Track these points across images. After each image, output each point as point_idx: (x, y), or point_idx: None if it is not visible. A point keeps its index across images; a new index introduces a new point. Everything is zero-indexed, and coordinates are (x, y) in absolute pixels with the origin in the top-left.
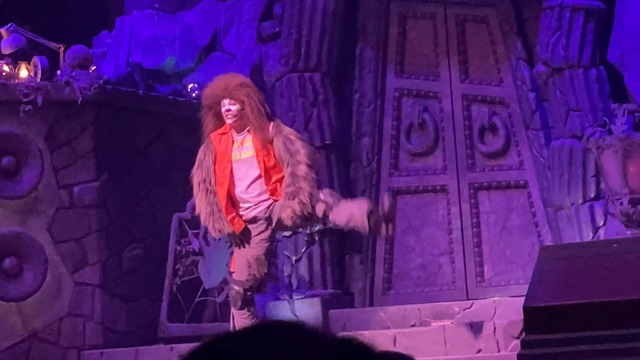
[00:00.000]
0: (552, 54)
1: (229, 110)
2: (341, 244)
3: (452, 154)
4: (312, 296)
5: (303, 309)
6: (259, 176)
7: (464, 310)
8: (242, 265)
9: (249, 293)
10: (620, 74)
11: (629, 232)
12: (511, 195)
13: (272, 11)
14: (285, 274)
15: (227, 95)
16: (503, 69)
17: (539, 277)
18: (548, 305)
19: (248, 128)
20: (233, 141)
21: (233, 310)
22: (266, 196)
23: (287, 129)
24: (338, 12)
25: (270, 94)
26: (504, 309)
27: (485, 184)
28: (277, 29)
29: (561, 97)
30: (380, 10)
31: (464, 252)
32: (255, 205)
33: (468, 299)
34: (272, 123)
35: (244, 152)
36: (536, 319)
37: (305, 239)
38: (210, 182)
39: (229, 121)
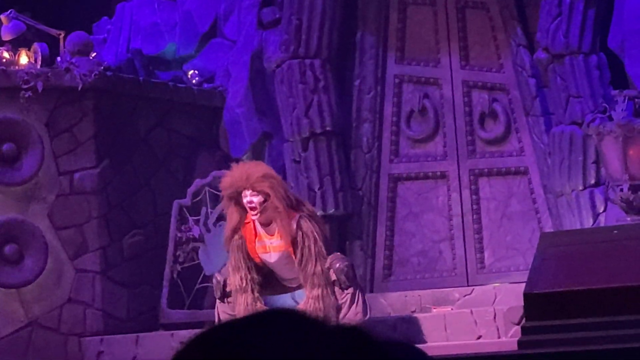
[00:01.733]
0: (553, 40)
1: (251, 202)
2: (341, 230)
3: (453, 141)
4: None
5: (304, 296)
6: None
7: (464, 296)
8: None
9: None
10: (620, 60)
11: (629, 219)
12: (511, 182)
13: None
14: None
15: (249, 187)
16: (503, 55)
17: (539, 263)
18: (548, 291)
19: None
20: (256, 233)
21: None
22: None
23: (307, 225)
24: None
25: (270, 81)
26: (505, 295)
27: (486, 170)
28: (277, 15)
29: (561, 84)
30: None
31: (464, 239)
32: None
33: (468, 285)
34: (297, 216)
35: (273, 245)
36: (536, 305)
37: None
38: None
39: (253, 215)
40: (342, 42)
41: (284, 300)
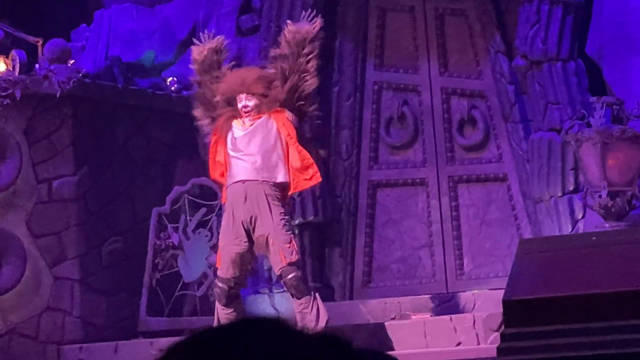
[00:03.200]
0: (531, 47)
1: (246, 106)
2: (321, 237)
3: (432, 147)
4: None
5: (283, 303)
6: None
7: (443, 303)
8: (226, 262)
9: (232, 290)
10: (598, 67)
11: (607, 225)
12: (490, 188)
13: (250, 4)
14: (265, 268)
15: (245, 90)
16: (482, 62)
17: (518, 270)
18: (527, 298)
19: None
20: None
21: (218, 306)
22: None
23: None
24: (317, 5)
25: None
26: (484, 301)
27: (465, 176)
28: (256, 22)
29: (540, 90)
30: (360, 3)
31: (443, 245)
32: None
33: (448, 292)
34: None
35: (251, 125)
36: (515, 311)
37: None
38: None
39: (246, 118)
40: (321, 49)
41: (264, 307)
